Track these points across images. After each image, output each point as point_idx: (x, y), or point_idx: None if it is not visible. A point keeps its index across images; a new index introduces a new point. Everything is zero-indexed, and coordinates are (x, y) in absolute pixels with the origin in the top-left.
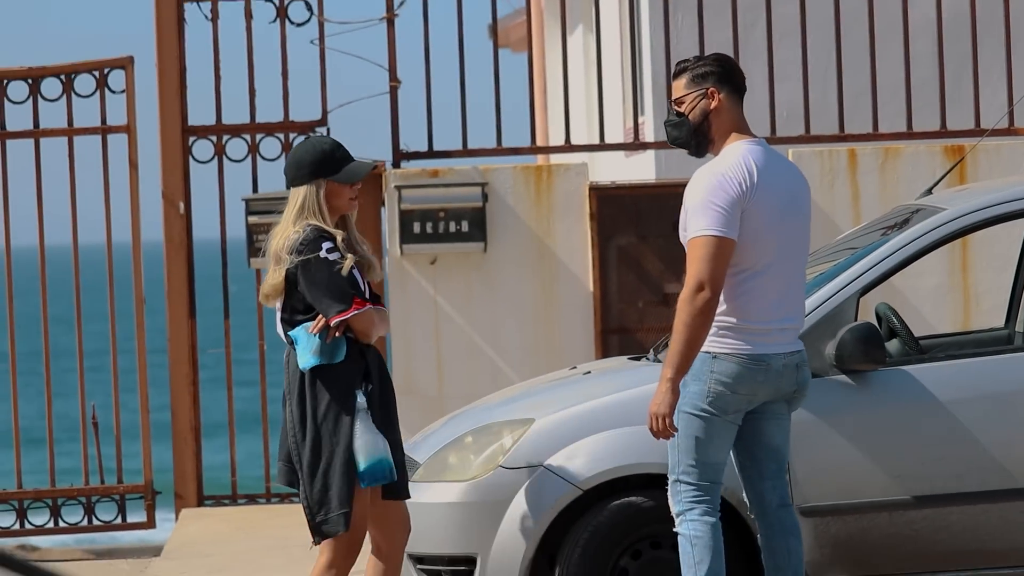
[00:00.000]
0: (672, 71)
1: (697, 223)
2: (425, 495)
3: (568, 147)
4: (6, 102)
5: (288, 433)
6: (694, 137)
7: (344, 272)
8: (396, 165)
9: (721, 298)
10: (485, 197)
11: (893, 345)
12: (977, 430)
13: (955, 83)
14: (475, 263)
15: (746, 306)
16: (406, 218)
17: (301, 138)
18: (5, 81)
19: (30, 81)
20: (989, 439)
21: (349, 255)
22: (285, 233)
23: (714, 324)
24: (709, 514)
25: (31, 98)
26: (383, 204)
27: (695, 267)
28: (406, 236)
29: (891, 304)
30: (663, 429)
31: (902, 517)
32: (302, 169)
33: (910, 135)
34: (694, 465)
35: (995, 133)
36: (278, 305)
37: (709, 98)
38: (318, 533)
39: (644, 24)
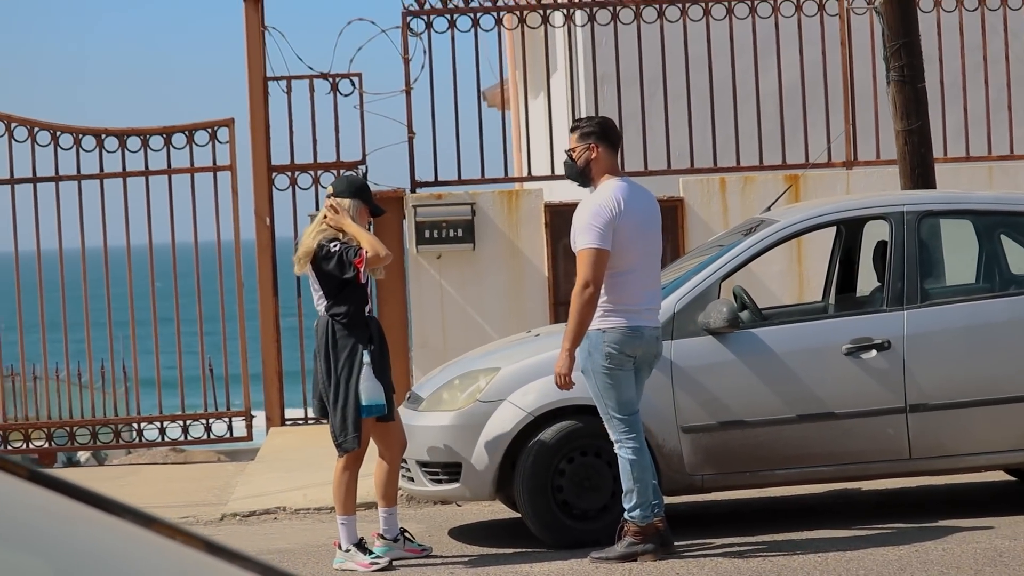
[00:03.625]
0: (569, 127)
1: (583, 239)
2: (427, 420)
3: (529, 177)
4: (148, 151)
5: (319, 380)
6: (580, 175)
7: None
8: (412, 191)
9: (605, 291)
10: (473, 212)
11: (745, 314)
12: (800, 372)
13: (792, 131)
14: (467, 258)
15: (622, 294)
16: (420, 227)
17: (349, 172)
18: (147, 136)
19: (164, 136)
20: (807, 378)
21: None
22: (319, 227)
23: (603, 309)
24: (637, 439)
25: (165, 148)
26: (404, 218)
27: (582, 271)
28: (420, 240)
29: (745, 286)
30: (565, 384)
31: (751, 432)
32: (351, 188)
33: (761, 167)
34: (615, 404)
35: (816, 166)
36: (314, 287)
37: (591, 151)
38: (340, 449)
39: (581, 92)
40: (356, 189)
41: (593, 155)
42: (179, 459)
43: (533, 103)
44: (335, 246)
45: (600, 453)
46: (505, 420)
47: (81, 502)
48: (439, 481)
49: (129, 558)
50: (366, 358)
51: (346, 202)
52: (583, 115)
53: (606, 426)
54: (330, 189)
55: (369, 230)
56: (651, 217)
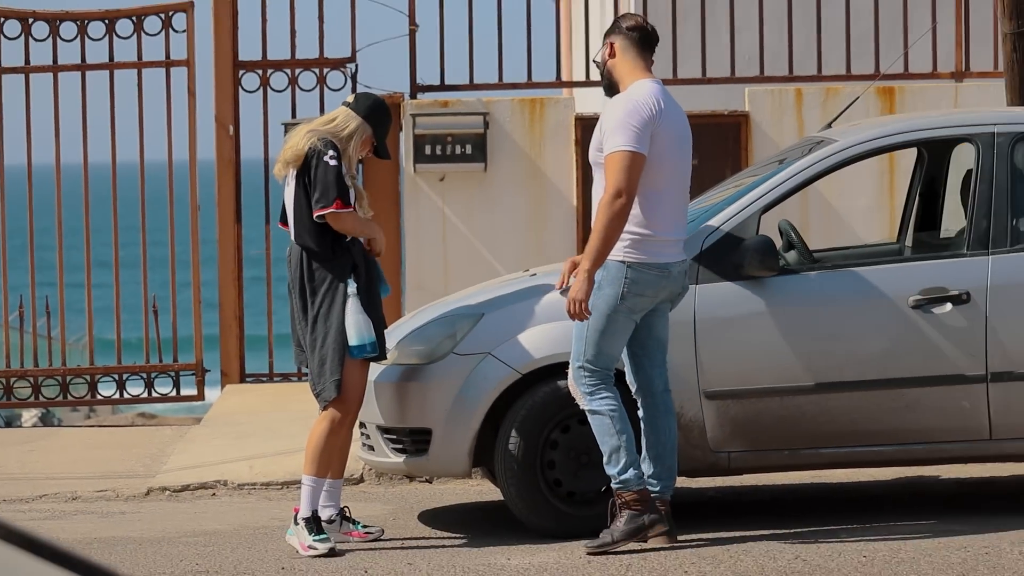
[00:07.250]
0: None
1: (615, 140)
2: (391, 376)
3: (558, 83)
4: (87, 39)
5: (295, 320)
6: (605, 83)
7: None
8: (413, 96)
9: (633, 212)
10: (487, 125)
11: (791, 256)
12: (854, 329)
13: (890, 33)
14: (477, 181)
15: (654, 220)
16: (419, 141)
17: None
18: (85, 21)
19: (107, 21)
20: (863, 337)
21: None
22: (317, 126)
23: (627, 235)
24: (613, 394)
25: (107, 36)
26: (400, 129)
27: (613, 177)
28: (419, 156)
29: (819, 223)
30: (579, 312)
31: (791, 401)
32: (370, 110)
33: (848, 77)
34: (596, 354)
35: (918, 76)
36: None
37: (607, 49)
38: (319, 400)
39: None
40: (376, 114)
41: (609, 53)
42: (150, 423)
43: None
44: (333, 161)
45: None
46: (487, 378)
47: None
48: (404, 451)
49: None
50: (351, 288)
51: (356, 119)
52: (628, 8)
53: (570, 376)
54: (349, 99)
55: (360, 167)
56: (686, 130)
